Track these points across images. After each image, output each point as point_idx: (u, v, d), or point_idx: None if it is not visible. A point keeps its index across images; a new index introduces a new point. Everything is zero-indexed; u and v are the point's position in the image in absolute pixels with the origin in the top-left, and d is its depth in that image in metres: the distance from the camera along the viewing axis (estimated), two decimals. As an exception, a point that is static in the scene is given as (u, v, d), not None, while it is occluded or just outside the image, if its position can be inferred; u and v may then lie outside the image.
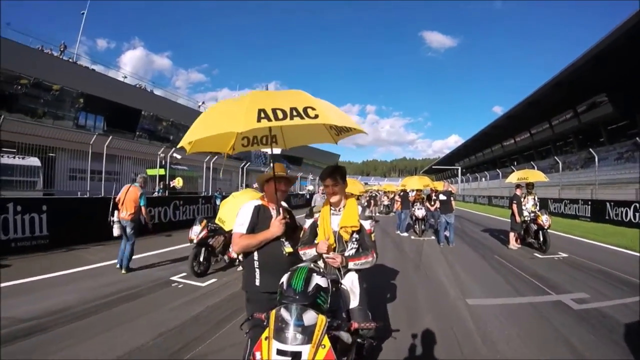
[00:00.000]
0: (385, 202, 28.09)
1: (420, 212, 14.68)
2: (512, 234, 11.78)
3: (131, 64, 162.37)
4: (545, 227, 10.73)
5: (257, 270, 3.01)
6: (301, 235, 3.25)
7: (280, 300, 2.12)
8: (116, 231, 7.51)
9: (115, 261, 7.99)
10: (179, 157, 18.09)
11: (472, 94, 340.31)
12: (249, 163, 27.45)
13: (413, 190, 16.67)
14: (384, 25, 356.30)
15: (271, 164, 3.43)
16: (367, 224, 3.12)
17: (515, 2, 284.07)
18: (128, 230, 7.55)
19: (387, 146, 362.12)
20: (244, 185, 23.73)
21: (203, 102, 46.58)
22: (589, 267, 8.87)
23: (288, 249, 3.07)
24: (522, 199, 11.58)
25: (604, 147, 40.80)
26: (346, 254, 3.04)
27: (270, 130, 3.17)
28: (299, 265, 2.46)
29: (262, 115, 2.23)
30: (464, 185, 63.38)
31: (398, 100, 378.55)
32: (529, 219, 11.44)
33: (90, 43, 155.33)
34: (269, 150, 3.89)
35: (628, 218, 16.51)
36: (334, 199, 3.12)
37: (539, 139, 57.39)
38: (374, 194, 28.00)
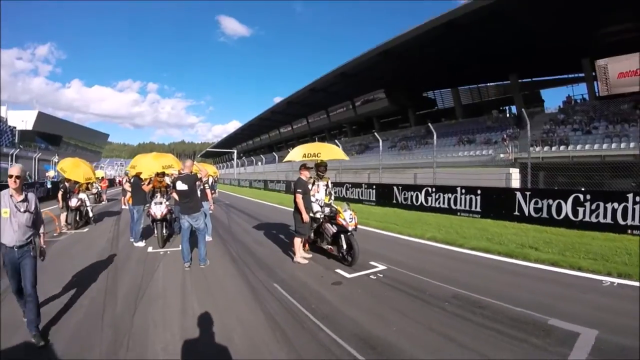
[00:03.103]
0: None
1: (158, 209, 9.30)
2: (297, 241, 7.83)
3: None
4: (350, 229, 7.27)
5: None
6: None
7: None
8: None
9: None
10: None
11: (257, 83, 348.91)
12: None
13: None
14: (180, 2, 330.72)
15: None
16: None
17: (316, 3, 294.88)
18: None
19: (166, 128, 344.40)
20: None
21: None
22: (428, 288, 5.86)
23: None
24: (311, 187, 8.10)
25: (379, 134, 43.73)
26: None
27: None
28: None
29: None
30: (240, 169, 61.31)
31: (182, 81, 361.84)
32: (321, 215, 7.97)
33: None
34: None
35: (419, 202, 15.76)
36: None
37: (315, 126, 59.27)
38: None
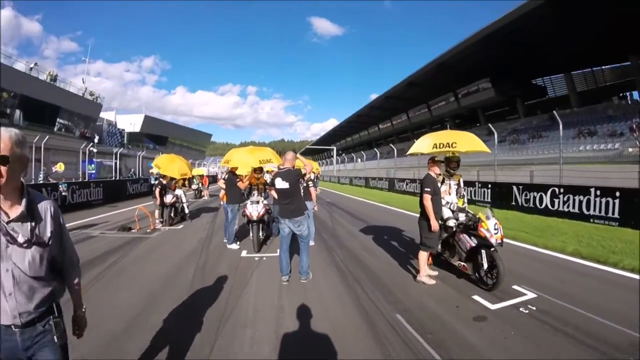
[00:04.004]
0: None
1: (254, 209, 8.12)
2: (423, 255, 6.02)
3: None
4: (494, 243, 5.48)
5: None
6: None
7: None
8: None
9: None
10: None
11: (352, 81, 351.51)
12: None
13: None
14: (273, 5, 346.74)
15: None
16: None
17: (405, 2, 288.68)
18: None
19: (266, 128, 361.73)
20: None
21: (35, 63, 37.26)
22: (602, 332, 4.05)
23: None
24: (441, 186, 6.36)
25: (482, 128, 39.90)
26: None
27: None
28: None
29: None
30: (339, 166, 60.42)
31: (280, 82, 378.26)
32: (455, 223, 6.21)
33: None
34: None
35: (543, 204, 12.99)
36: None
37: (416, 121, 56.69)
38: None
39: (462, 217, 6.22)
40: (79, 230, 10.77)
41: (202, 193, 22.89)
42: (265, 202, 8.55)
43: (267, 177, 9.29)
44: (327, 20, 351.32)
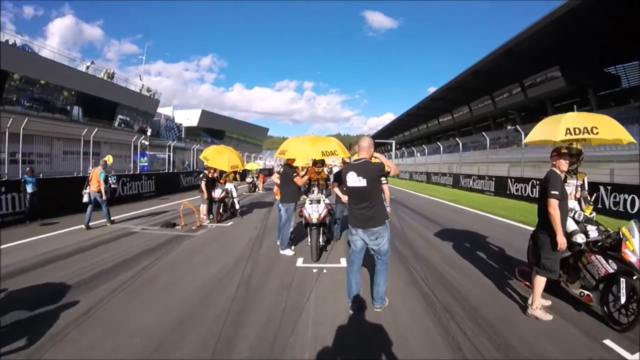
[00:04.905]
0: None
1: (314, 210, 6.71)
2: (540, 282, 4.39)
3: (59, 34, 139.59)
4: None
5: None
6: None
7: None
8: (85, 198, 9.41)
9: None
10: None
11: (409, 74, 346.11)
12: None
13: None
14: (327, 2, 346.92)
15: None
16: None
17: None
18: (98, 198, 9.50)
19: (323, 122, 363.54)
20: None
21: (92, 62, 38.77)
22: None
23: None
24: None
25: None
26: None
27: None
28: None
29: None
30: (398, 160, 58.25)
31: (336, 77, 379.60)
32: (583, 240, 4.57)
33: (16, 10, 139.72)
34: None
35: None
36: None
37: (478, 113, 53.65)
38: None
39: (592, 231, 4.55)
40: (121, 224, 9.96)
41: (258, 186, 22.13)
42: (326, 200, 7.12)
43: (333, 169, 7.83)
44: (381, 13, 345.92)
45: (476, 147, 43.17)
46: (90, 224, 9.34)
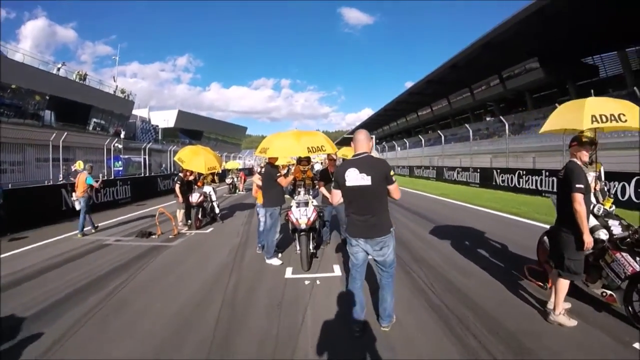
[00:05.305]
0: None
1: (302, 214, 6.15)
2: (563, 285, 3.89)
3: (32, 36, 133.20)
4: None
5: None
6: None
7: None
8: (77, 205, 9.29)
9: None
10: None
11: (386, 69, 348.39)
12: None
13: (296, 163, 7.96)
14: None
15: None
16: None
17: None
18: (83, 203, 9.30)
19: (301, 119, 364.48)
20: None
21: (63, 63, 37.07)
22: None
23: None
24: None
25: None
26: None
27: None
28: None
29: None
30: (379, 155, 58.05)
31: (313, 74, 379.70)
32: (606, 235, 4.18)
33: None
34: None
35: None
36: None
37: (457, 106, 53.98)
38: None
39: (615, 226, 4.14)
40: (93, 235, 9.18)
41: (238, 187, 21.26)
42: (314, 202, 6.51)
43: (318, 168, 7.22)
44: (357, 10, 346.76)
45: (457, 140, 43.14)
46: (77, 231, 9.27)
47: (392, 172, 3.57)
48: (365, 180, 3.43)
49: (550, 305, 3.89)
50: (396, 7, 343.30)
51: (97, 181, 10.36)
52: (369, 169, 3.45)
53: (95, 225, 9.86)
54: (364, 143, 3.64)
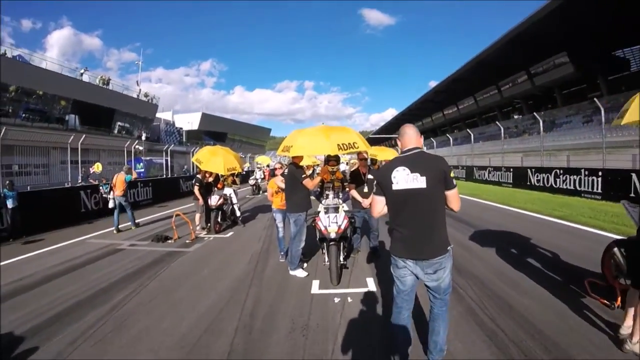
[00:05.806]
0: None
1: (332, 221, 5.38)
2: None
3: (58, 45, 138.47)
4: None
5: None
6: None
7: None
8: (111, 203, 9.80)
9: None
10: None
11: (409, 69, 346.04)
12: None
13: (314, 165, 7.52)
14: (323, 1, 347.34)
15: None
16: None
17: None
18: (123, 202, 9.84)
19: (325, 121, 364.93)
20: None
21: (86, 68, 37.53)
22: None
23: None
24: None
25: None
26: None
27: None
28: None
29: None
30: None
31: (336, 76, 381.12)
32: None
33: (14, 24, 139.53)
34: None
35: None
36: None
37: (484, 104, 52.56)
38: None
39: None
40: (108, 239, 8.74)
41: (262, 187, 20.48)
42: (345, 207, 5.83)
43: (344, 168, 6.55)
44: (378, 10, 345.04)
45: (485, 138, 41.75)
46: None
47: (452, 173, 2.76)
48: (418, 182, 2.64)
49: (624, 331, 3.22)
50: (417, 7, 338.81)
51: (104, 192, 11.18)
52: (424, 168, 2.66)
53: (136, 221, 10.46)
54: (414, 138, 2.86)
